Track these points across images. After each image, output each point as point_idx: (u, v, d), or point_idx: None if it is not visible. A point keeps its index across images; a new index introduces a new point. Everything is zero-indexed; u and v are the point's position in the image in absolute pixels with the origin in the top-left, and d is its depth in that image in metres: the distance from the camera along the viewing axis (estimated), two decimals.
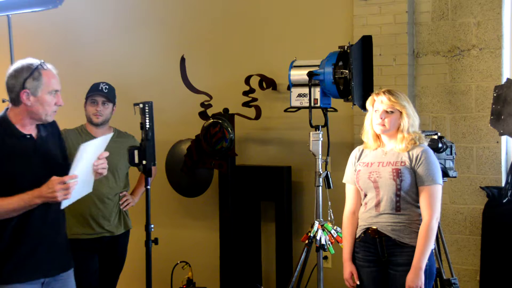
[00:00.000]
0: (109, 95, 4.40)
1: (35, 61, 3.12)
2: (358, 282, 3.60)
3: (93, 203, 4.29)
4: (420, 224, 3.46)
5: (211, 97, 5.23)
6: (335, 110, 4.39)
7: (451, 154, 4.15)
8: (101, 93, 4.36)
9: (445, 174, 4.01)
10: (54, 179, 2.95)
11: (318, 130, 4.21)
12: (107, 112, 4.42)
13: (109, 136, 3.28)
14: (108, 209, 4.36)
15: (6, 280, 3.01)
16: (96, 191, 4.14)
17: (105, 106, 4.40)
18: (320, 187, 4.22)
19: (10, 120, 3.11)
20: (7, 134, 3.08)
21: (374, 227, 3.53)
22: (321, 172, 4.20)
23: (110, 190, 4.38)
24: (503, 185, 4.60)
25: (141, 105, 3.42)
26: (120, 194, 4.46)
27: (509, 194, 4.49)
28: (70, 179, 2.96)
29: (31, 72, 3.08)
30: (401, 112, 3.54)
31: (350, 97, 4.10)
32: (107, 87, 4.43)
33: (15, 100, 3.10)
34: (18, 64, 3.12)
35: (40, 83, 3.10)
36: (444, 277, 4.07)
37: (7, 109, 3.16)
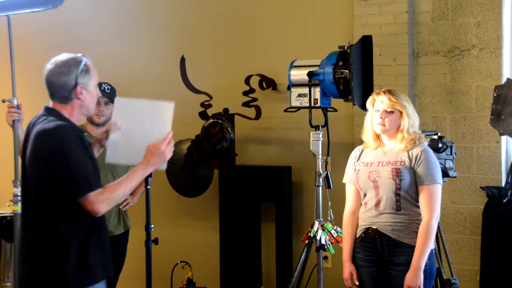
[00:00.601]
0: (111, 96, 4.41)
1: (77, 55, 3.06)
2: (357, 283, 3.60)
3: None
4: (420, 224, 3.46)
5: (211, 97, 5.23)
6: (335, 110, 4.39)
7: (451, 154, 4.15)
8: (104, 93, 4.37)
9: (445, 174, 4.01)
10: (154, 144, 3.03)
11: (318, 130, 4.21)
12: (109, 112, 4.43)
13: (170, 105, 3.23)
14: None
15: (97, 277, 2.99)
16: None
17: (107, 107, 4.42)
18: (320, 187, 4.22)
19: (66, 117, 3.05)
20: (79, 132, 3.02)
21: (374, 227, 3.53)
22: (321, 172, 4.20)
23: None
24: (503, 185, 4.60)
25: None
26: None
27: (509, 194, 4.49)
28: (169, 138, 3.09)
29: (81, 66, 3.01)
30: (401, 112, 3.54)
31: (350, 97, 4.10)
32: (109, 87, 4.44)
33: (66, 97, 3.02)
34: (61, 60, 3.03)
35: (90, 76, 3.05)
36: (444, 277, 4.07)
37: (51, 108, 3.08)
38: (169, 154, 3.10)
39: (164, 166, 3.15)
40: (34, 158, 2.96)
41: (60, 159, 2.87)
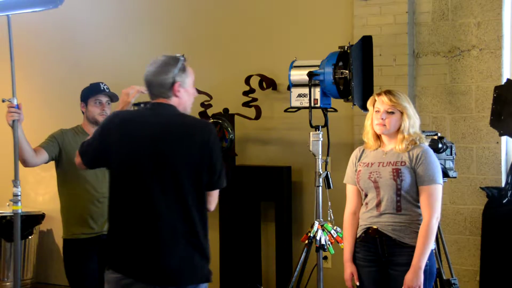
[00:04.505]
0: (111, 95, 4.42)
1: (176, 55, 3.15)
2: (358, 283, 3.60)
3: (92, 202, 4.28)
4: (420, 224, 3.46)
5: (211, 97, 5.23)
6: (335, 110, 4.39)
7: (451, 154, 4.14)
8: (105, 93, 4.38)
9: (445, 174, 4.01)
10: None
11: (318, 130, 4.21)
12: (110, 112, 4.43)
13: None
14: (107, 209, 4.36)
15: None
16: (95, 190, 4.15)
17: (108, 106, 4.42)
18: (320, 187, 4.22)
19: None
20: None
21: (375, 227, 3.53)
22: (321, 172, 4.20)
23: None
24: (503, 185, 4.60)
25: (142, 105, 3.42)
26: None
27: (509, 195, 4.49)
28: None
29: (180, 64, 3.10)
30: (402, 113, 3.53)
31: (350, 97, 4.10)
32: (107, 86, 4.44)
33: (166, 94, 3.08)
34: (159, 61, 3.12)
35: (187, 74, 3.13)
36: (444, 277, 4.07)
37: (162, 102, 3.09)
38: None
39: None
40: (186, 151, 2.96)
41: (217, 152, 3.01)
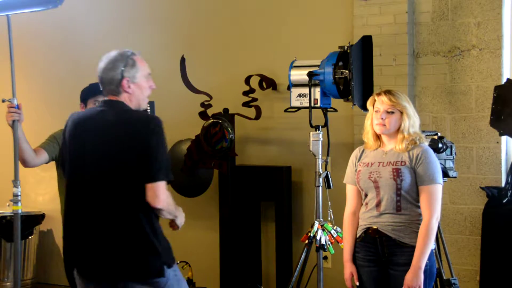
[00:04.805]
0: None
1: (124, 50, 3.14)
2: (358, 283, 3.60)
3: None
4: (420, 224, 3.46)
5: (211, 97, 5.23)
6: (335, 110, 4.39)
7: (451, 154, 4.14)
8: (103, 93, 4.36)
9: (445, 174, 4.01)
10: None
11: (318, 130, 4.21)
12: None
13: None
14: None
15: (174, 259, 3.11)
16: None
17: None
18: (320, 187, 4.22)
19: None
20: None
21: (375, 227, 3.53)
22: (321, 172, 4.20)
23: None
24: (503, 185, 4.60)
25: None
26: None
27: (509, 194, 4.49)
28: None
29: (126, 60, 3.10)
30: (401, 113, 3.53)
31: (350, 97, 4.10)
32: None
33: (115, 90, 3.11)
34: (108, 57, 3.12)
35: (137, 68, 3.12)
36: (444, 277, 4.07)
37: (116, 100, 3.13)
38: None
39: None
40: (119, 147, 2.99)
41: (152, 144, 2.97)
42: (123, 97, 3.12)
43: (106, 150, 3.03)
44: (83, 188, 3.07)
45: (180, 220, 3.24)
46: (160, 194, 2.98)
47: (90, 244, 3.05)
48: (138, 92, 3.14)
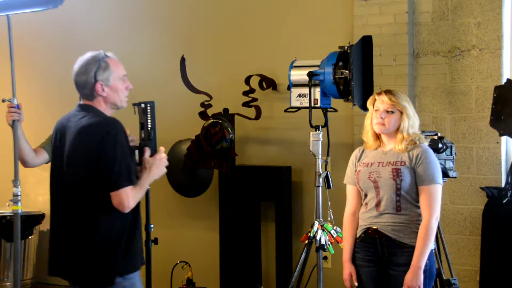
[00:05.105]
0: None
1: (97, 53, 3.14)
2: (356, 284, 3.60)
3: None
4: (420, 224, 3.46)
5: (211, 97, 5.23)
6: (335, 110, 4.39)
7: (451, 154, 4.14)
8: None
9: (445, 174, 4.01)
10: (158, 155, 3.20)
11: (318, 130, 4.21)
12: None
13: None
14: None
15: (132, 268, 3.09)
16: None
17: None
18: (320, 187, 4.22)
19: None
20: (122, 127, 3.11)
21: (375, 227, 3.53)
22: (321, 172, 4.20)
23: None
24: (503, 185, 4.60)
25: (143, 105, 3.42)
26: None
27: (509, 195, 4.49)
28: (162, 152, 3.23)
29: (99, 63, 3.09)
30: (401, 113, 3.54)
31: (350, 97, 4.10)
32: None
33: (90, 95, 3.11)
34: (81, 60, 3.12)
35: (110, 71, 3.12)
36: (444, 278, 4.07)
37: (86, 104, 3.14)
38: (166, 161, 3.24)
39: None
40: (80, 153, 3.02)
41: (110, 151, 2.96)
42: (98, 101, 3.12)
43: (69, 157, 3.07)
44: (56, 192, 3.14)
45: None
46: (125, 201, 2.98)
47: (55, 247, 3.14)
48: (113, 95, 3.14)
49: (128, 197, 2.98)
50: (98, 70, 3.08)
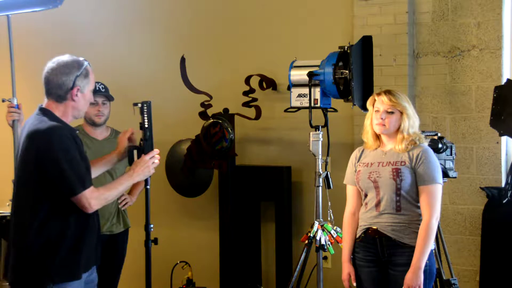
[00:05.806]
0: (107, 94, 4.41)
1: (79, 58, 3.15)
2: (355, 284, 3.60)
3: None
4: (420, 224, 3.46)
5: (211, 97, 5.23)
6: (335, 110, 4.39)
7: (451, 154, 4.15)
8: (100, 93, 4.37)
9: (445, 174, 4.01)
10: (145, 157, 3.27)
11: (318, 130, 4.21)
12: (107, 111, 4.44)
13: None
14: (107, 210, 4.36)
15: (68, 277, 3.06)
16: None
17: (105, 106, 4.42)
18: (320, 187, 4.22)
19: (59, 117, 3.12)
20: (72, 131, 3.11)
21: (374, 227, 3.53)
22: (321, 172, 4.20)
23: None
24: (503, 185, 4.60)
25: (139, 105, 3.43)
26: None
27: (509, 195, 4.49)
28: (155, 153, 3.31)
29: (82, 69, 3.11)
30: (401, 113, 3.54)
31: (350, 97, 4.10)
32: (103, 86, 4.44)
33: (62, 96, 3.10)
34: (64, 61, 3.12)
35: (88, 81, 3.14)
36: (444, 278, 4.07)
37: (44, 108, 3.14)
38: (152, 168, 3.30)
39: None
40: (25, 158, 3.04)
41: (54, 159, 2.96)
42: (65, 105, 3.12)
43: (18, 160, 3.11)
44: (13, 196, 3.18)
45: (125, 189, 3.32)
46: (85, 204, 3.01)
47: (7, 250, 3.20)
48: (82, 103, 3.16)
49: (88, 200, 3.01)
50: (79, 75, 3.09)
